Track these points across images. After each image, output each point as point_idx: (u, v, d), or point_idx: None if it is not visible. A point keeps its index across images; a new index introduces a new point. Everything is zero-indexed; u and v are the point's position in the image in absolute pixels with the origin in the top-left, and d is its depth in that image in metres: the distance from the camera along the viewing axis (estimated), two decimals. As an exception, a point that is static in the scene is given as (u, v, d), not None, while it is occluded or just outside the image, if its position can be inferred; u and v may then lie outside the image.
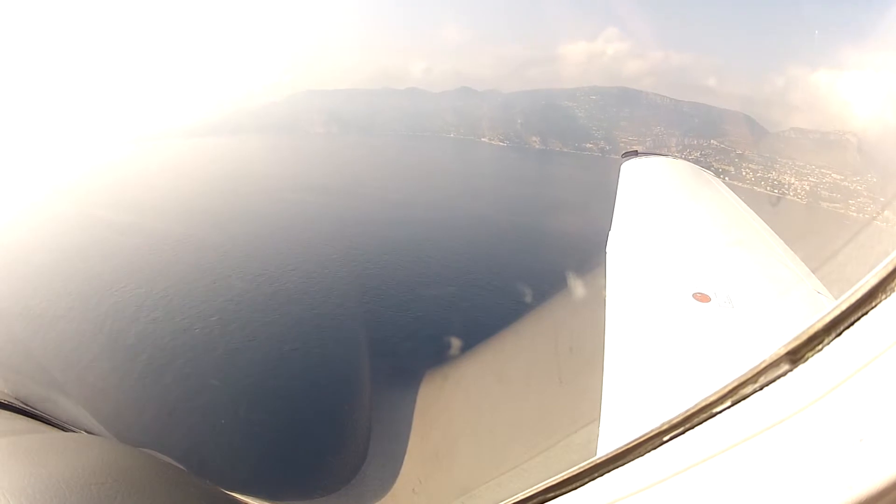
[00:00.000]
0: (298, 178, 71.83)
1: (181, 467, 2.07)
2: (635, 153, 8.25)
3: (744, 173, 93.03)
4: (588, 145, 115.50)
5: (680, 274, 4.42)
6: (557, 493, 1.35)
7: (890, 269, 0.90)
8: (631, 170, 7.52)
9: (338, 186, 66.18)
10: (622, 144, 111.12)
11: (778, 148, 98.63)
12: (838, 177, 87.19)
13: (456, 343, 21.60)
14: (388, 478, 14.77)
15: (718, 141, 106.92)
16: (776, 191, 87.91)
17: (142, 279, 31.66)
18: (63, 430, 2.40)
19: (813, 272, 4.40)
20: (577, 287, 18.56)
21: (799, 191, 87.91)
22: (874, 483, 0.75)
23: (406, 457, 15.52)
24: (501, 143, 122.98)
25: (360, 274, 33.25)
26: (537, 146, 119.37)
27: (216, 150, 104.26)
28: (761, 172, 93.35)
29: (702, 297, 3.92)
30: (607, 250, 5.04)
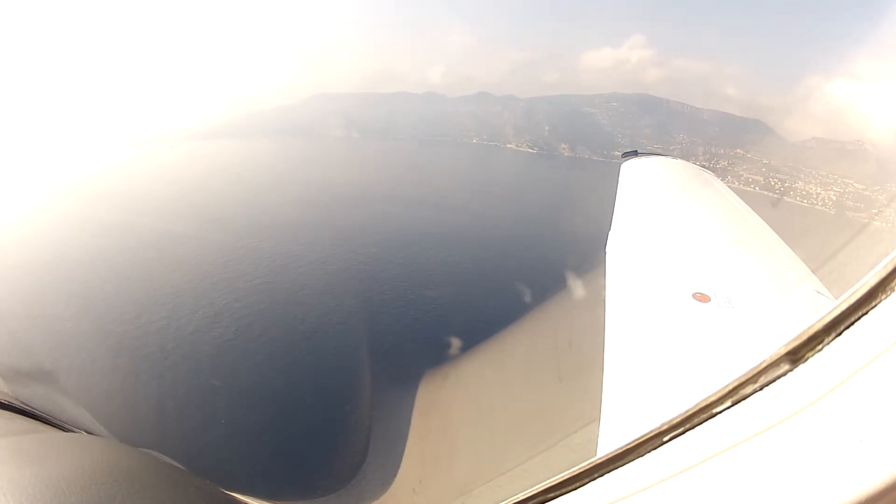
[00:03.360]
0: (329, 182, 70.43)
1: (181, 467, 2.06)
2: (635, 153, 8.23)
3: (772, 183, 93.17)
4: (616, 153, 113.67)
5: (680, 274, 4.42)
6: (557, 493, 1.35)
7: (890, 269, 0.90)
8: (631, 170, 7.51)
9: (384, 192, 63.41)
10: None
11: (801, 158, 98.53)
12: (860, 186, 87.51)
13: (456, 343, 21.63)
14: (388, 478, 14.77)
15: (744, 150, 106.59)
16: (805, 201, 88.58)
17: (143, 279, 31.67)
18: (63, 430, 2.40)
19: (813, 272, 4.40)
20: (577, 287, 18.57)
21: (826, 201, 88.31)
22: (874, 483, 0.75)
23: (405, 457, 15.52)
24: (530, 150, 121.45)
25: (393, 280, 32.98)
26: (567, 153, 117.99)
27: (236, 153, 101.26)
28: (789, 182, 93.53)
29: (702, 297, 3.92)
30: (607, 250, 5.03)
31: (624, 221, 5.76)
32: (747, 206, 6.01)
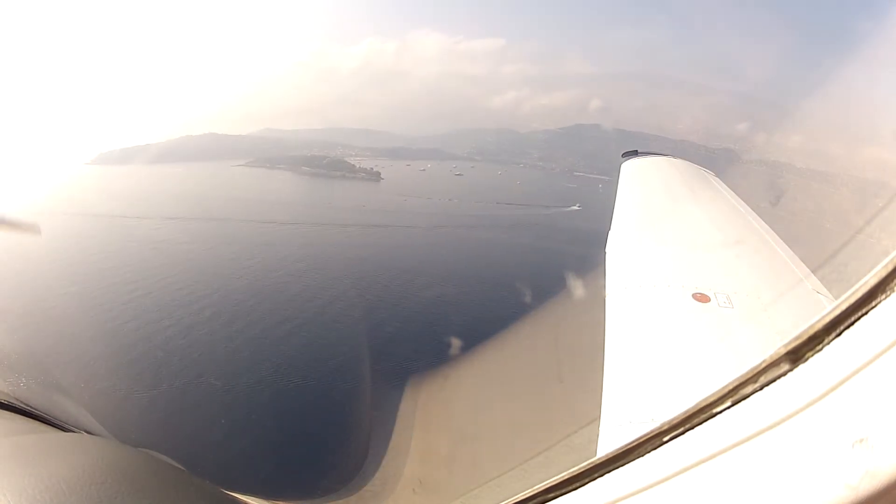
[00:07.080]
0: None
1: (181, 467, 2.07)
2: (635, 153, 8.22)
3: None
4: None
5: (680, 274, 4.42)
6: (557, 493, 1.35)
7: (890, 269, 0.89)
8: (631, 169, 7.51)
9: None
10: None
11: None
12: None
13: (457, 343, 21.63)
14: (389, 478, 14.76)
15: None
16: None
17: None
18: (63, 430, 2.40)
19: (813, 272, 4.40)
20: (578, 287, 18.56)
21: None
22: (874, 483, 0.74)
23: (406, 457, 15.52)
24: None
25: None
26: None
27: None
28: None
29: (701, 298, 3.91)
30: (607, 250, 5.04)
31: (624, 221, 5.76)
32: (747, 206, 6.01)
